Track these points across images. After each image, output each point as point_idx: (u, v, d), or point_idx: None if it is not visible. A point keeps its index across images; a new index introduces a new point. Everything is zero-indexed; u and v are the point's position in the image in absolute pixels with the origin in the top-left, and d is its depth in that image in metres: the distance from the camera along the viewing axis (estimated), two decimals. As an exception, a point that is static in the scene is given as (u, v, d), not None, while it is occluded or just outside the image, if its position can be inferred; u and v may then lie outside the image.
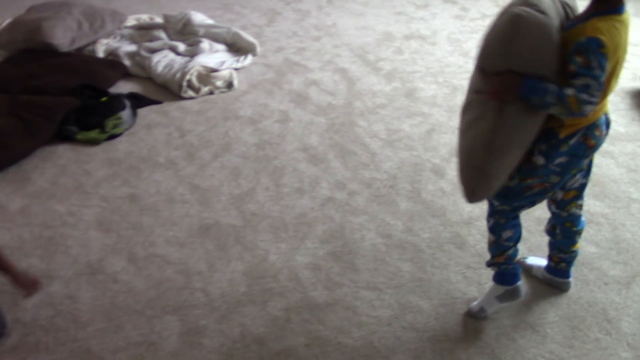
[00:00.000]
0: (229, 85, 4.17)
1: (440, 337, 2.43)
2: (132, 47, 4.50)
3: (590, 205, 3.09)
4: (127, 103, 3.78)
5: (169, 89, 4.11)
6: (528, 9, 1.97)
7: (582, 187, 2.40)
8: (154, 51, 4.41)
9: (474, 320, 2.50)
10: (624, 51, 2.04)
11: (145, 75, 4.28)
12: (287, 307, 2.55)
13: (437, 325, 2.49)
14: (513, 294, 2.47)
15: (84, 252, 2.81)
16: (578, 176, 2.34)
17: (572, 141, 2.16)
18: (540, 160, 2.18)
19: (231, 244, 2.86)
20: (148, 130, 3.70)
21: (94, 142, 3.57)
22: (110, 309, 2.54)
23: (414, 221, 3.01)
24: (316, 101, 4.01)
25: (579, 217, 2.47)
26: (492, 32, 2.05)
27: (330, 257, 2.80)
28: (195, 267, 2.74)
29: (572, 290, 2.64)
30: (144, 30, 4.71)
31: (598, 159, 3.41)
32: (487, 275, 2.66)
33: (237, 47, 4.59)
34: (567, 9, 2.11)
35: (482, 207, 3.07)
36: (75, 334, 2.43)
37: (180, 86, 4.03)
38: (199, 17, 4.75)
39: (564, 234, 2.51)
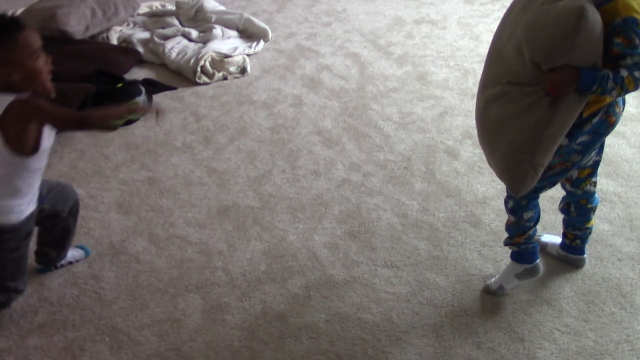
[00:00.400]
0: (242, 70, 4.21)
1: (458, 312, 2.48)
2: (145, 34, 4.54)
3: (604, 184, 3.13)
4: (143, 89, 3.82)
5: (183, 75, 4.15)
6: (585, 0, 1.97)
7: (596, 164, 2.44)
8: (167, 38, 4.45)
9: (491, 296, 2.54)
10: None
11: (159, 61, 4.32)
12: (306, 284, 2.61)
13: (454, 301, 2.53)
14: (532, 272, 2.52)
15: (106, 234, 2.87)
16: (592, 154, 2.37)
17: (595, 119, 2.20)
18: (564, 141, 2.20)
19: (250, 225, 2.91)
20: (164, 115, 3.74)
21: (111, 128, 3.62)
22: (133, 287, 2.59)
23: (429, 201, 3.06)
24: (329, 85, 4.05)
25: (593, 194, 2.51)
26: (550, 27, 1.99)
27: (347, 237, 2.85)
28: (216, 247, 2.80)
29: (587, 266, 2.68)
30: (157, 17, 4.75)
31: (610, 139, 3.43)
32: (502, 252, 2.71)
33: (249, 34, 4.63)
34: None
35: (496, 187, 3.11)
36: (100, 311, 2.49)
37: (195, 72, 4.07)
38: (211, 4, 4.78)
39: (579, 211, 2.55)
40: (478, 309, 2.50)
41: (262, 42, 4.54)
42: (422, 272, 2.66)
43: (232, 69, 4.19)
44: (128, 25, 4.69)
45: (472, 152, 3.38)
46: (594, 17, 1.97)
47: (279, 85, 4.06)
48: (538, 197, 2.43)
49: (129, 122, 3.65)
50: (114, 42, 4.47)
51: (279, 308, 2.50)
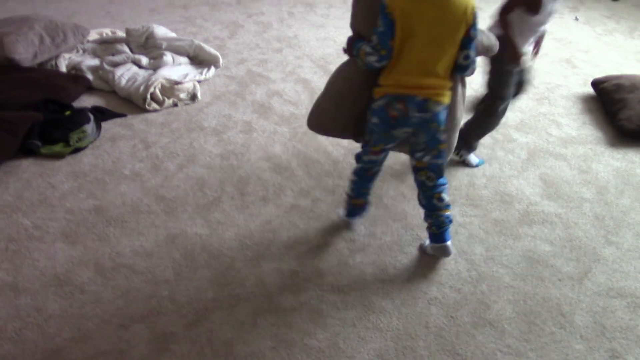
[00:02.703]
0: (193, 97, 4.22)
1: (403, 336, 2.52)
2: (94, 61, 4.52)
3: (545, 205, 3.22)
4: (91, 116, 3.81)
5: (132, 102, 4.14)
6: None
7: (433, 167, 2.66)
8: (116, 65, 4.44)
9: (435, 318, 2.59)
10: (428, 25, 2.32)
11: (109, 89, 4.30)
12: (254, 312, 2.61)
13: (399, 324, 2.57)
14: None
15: (51, 264, 2.83)
16: (420, 153, 2.63)
17: (378, 104, 2.53)
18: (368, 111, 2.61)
19: (198, 252, 2.91)
20: (112, 142, 3.73)
21: (58, 156, 3.59)
22: (78, 319, 2.57)
23: (377, 225, 3.10)
24: (279, 111, 4.09)
25: (429, 187, 2.72)
26: None
27: (295, 263, 2.87)
28: (162, 275, 2.79)
29: (529, 287, 2.75)
30: (107, 44, 4.73)
31: (552, 161, 3.55)
32: (446, 275, 2.77)
33: (199, 60, 4.65)
34: None
35: (441, 210, 3.18)
36: (43, 344, 2.45)
37: (144, 99, 4.07)
38: (162, 31, 4.79)
39: (422, 194, 2.79)
40: (422, 332, 2.54)
41: (212, 69, 4.56)
42: (368, 296, 2.69)
43: (183, 95, 4.20)
44: (77, 52, 4.66)
45: (419, 176, 3.45)
46: None
47: (229, 111, 4.09)
48: (367, 152, 2.73)
49: (77, 150, 3.63)
50: (63, 69, 4.44)
51: (226, 336, 2.50)
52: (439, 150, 2.60)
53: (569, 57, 4.88)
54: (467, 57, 2.43)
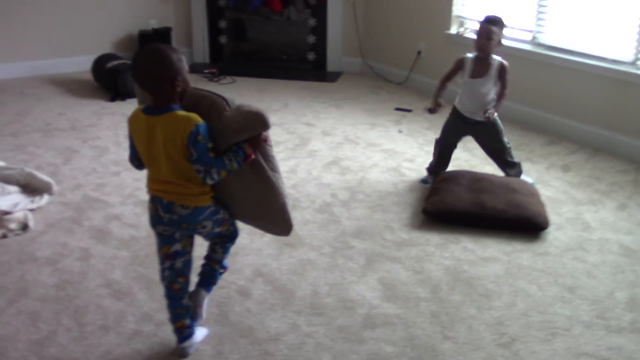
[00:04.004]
0: (24, 227, 4.03)
1: None
2: None
3: (385, 308, 3.36)
4: None
5: (-45, 237, 3.88)
6: None
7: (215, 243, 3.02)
8: (-63, 198, 4.17)
9: None
10: (139, 142, 2.62)
11: None
12: None
13: None
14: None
15: None
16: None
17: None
18: None
19: (31, 394, 2.70)
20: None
21: None
22: None
23: (224, 344, 3.06)
24: (118, 235, 4.00)
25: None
26: None
27: (139, 393, 2.74)
28: None
29: (376, 390, 2.81)
30: None
31: (388, 264, 3.74)
32: (297, 387, 2.76)
33: (32, 188, 4.49)
34: None
35: (287, 322, 3.21)
36: None
37: (-31, 232, 3.82)
38: (-11, 160, 4.60)
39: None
40: None
41: (46, 196, 4.41)
42: (218, 420, 2.62)
43: (13, 226, 4.00)
44: None
45: (264, 289, 3.48)
46: None
47: (65, 239, 3.94)
48: (160, 258, 2.87)
49: None
50: None
51: None
52: (219, 241, 2.94)
53: (396, 166, 5.27)
54: (197, 171, 2.56)
